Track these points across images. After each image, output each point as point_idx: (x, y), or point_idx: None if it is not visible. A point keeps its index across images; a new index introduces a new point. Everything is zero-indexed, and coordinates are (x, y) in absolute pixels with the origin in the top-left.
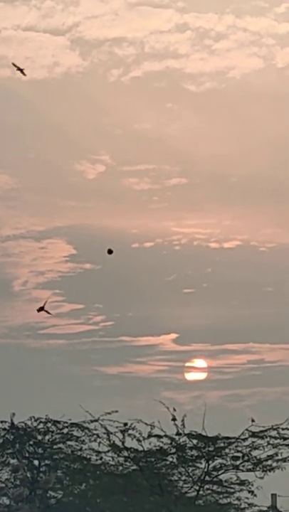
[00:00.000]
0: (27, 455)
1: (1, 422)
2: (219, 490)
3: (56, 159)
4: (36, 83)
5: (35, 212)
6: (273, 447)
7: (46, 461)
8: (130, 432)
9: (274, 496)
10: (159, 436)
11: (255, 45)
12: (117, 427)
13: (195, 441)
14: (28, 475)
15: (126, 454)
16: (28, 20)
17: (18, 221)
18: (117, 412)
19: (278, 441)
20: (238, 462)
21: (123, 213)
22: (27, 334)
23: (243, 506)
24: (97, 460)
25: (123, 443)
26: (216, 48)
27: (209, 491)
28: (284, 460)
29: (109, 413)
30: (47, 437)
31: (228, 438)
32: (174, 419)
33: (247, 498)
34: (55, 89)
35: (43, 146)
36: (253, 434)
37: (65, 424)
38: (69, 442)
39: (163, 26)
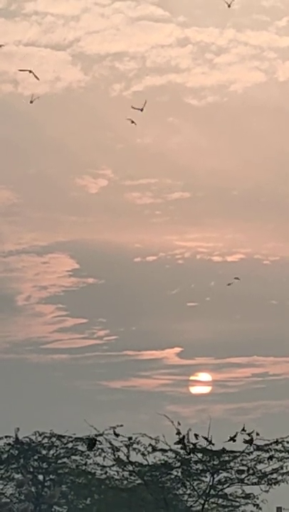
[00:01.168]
0: (32, 470)
1: (6, 437)
2: (224, 503)
3: (58, 174)
4: (38, 98)
5: (37, 228)
6: (278, 460)
7: (51, 476)
8: (135, 446)
9: (279, 509)
10: (163, 450)
11: (256, 58)
12: (121, 441)
13: (200, 455)
14: (33, 490)
15: (131, 468)
16: (29, 36)
17: (20, 236)
18: (122, 426)
19: (283, 454)
20: (243, 476)
21: (125, 227)
22: (30, 349)
23: None
24: (101, 474)
25: (128, 457)
26: (217, 61)
27: (214, 505)
28: None
29: (114, 427)
30: (51, 452)
31: (233, 452)
32: (178, 433)
33: (252, 511)
34: (57, 104)
35: (44, 161)
36: (258, 448)
37: (70, 439)
38: (74, 457)
39: (164, 41)
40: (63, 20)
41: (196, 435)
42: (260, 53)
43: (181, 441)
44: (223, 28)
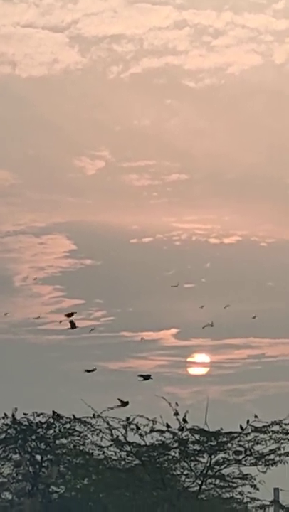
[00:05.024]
0: (29, 450)
1: (3, 417)
2: (222, 484)
3: (56, 155)
4: (36, 80)
5: (35, 209)
6: (276, 442)
7: (48, 456)
8: (132, 426)
9: (276, 490)
10: (161, 431)
11: (253, 41)
12: (119, 422)
13: (197, 436)
14: (31, 470)
15: (128, 448)
16: (27, 18)
17: (18, 217)
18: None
19: (281, 435)
20: (240, 457)
21: (123, 209)
22: (27, 329)
23: (245, 500)
24: (99, 455)
25: (125, 437)
26: (214, 44)
27: (212, 486)
28: (286, 454)
29: (111, 408)
30: (49, 432)
31: (230, 433)
32: (176, 414)
33: (249, 492)
34: (55, 86)
35: (42, 142)
36: (256, 429)
37: (68, 420)
38: (71, 437)
39: (162, 23)
40: (61, 2)
41: (184, 420)
42: (257, 36)
43: (182, 428)
44: (220, 11)
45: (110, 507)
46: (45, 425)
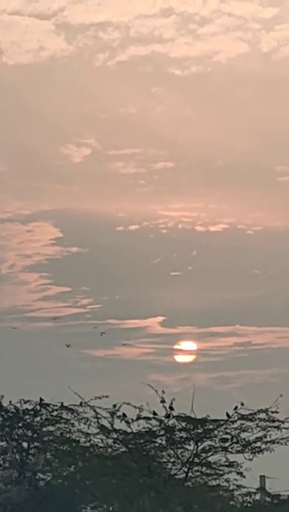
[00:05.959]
0: (16, 437)
1: None
2: (208, 472)
3: (42, 143)
4: (22, 67)
5: (21, 196)
6: (262, 429)
7: (35, 444)
8: (118, 413)
9: (263, 478)
10: (147, 419)
11: (240, 29)
12: (106, 409)
13: (184, 424)
14: (17, 457)
15: (115, 436)
16: (13, 5)
17: (4, 205)
18: (107, 397)
19: (267, 423)
20: (226, 444)
21: (109, 197)
22: (14, 317)
23: (231, 488)
24: (86, 442)
25: (112, 425)
26: (200, 32)
27: (198, 473)
28: (273, 442)
29: (99, 397)
30: (36, 419)
31: (216, 420)
32: (163, 401)
33: (236, 479)
34: (41, 74)
35: (28, 130)
36: (242, 417)
37: (55, 407)
38: (58, 425)
39: (148, 11)
40: None
41: (171, 407)
42: (244, 24)
43: (168, 416)
44: None
45: (97, 494)
46: (31, 412)
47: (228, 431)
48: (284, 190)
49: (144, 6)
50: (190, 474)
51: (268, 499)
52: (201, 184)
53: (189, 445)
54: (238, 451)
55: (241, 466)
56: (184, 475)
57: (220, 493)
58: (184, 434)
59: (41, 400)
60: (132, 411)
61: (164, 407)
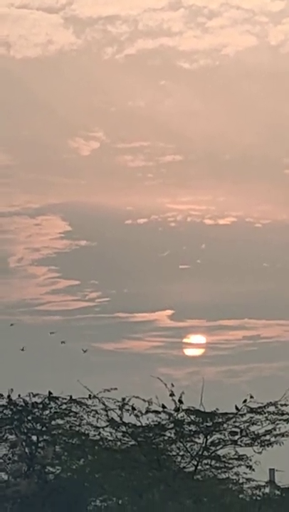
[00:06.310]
0: (25, 431)
1: None
2: (217, 465)
3: (50, 136)
4: (30, 61)
5: (29, 190)
6: (271, 422)
7: (44, 437)
8: (127, 406)
9: (272, 471)
10: (157, 412)
11: (248, 22)
12: (115, 402)
13: (193, 417)
14: (26, 450)
15: (124, 429)
16: None
17: (12, 198)
18: (116, 389)
19: (276, 416)
20: (236, 437)
21: (118, 190)
22: (23, 311)
23: (241, 481)
24: (95, 435)
25: (121, 418)
26: (209, 25)
27: (207, 466)
28: (282, 435)
29: (108, 390)
30: (45, 413)
31: (226, 414)
32: (172, 395)
33: (245, 473)
34: (49, 67)
35: (37, 123)
36: (252, 410)
37: (64, 400)
38: (67, 418)
39: (156, 4)
40: None
41: (180, 401)
42: (252, 17)
43: (177, 409)
44: None
45: (106, 487)
46: (41, 406)
47: (237, 424)
48: None
49: None
50: (199, 467)
51: (277, 492)
52: (209, 177)
53: (198, 438)
54: (247, 445)
55: (250, 460)
56: (194, 468)
57: (229, 487)
58: (193, 428)
59: (50, 393)
60: (141, 404)
61: (173, 400)
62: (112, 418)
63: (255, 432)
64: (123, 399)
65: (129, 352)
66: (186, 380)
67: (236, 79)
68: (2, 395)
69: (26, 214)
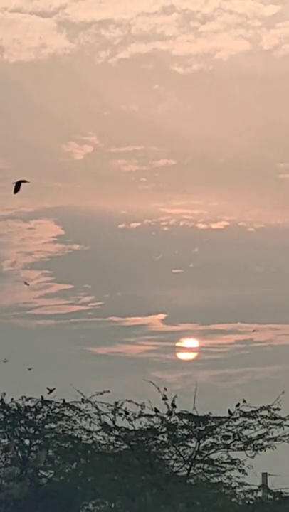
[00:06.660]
0: (18, 435)
1: None
2: (210, 469)
3: (44, 140)
4: (23, 65)
5: (23, 193)
6: (264, 426)
7: (37, 441)
8: (120, 410)
9: (265, 475)
10: (149, 416)
11: (241, 27)
12: (107, 406)
13: (186, 421)
14: (19, 454)
15: (117, 433)
16: (15, 3)
17: (5, 202)
18: (108, 392)
19: (269, 420)
20: (228, 441)
21: (111, 194)
22: (15, 314)
23: (233, 485)
24: (88, 439)
25: (114, 422)
26: (202, 30)
27: (200, 470)
28: (275, 439)
29: (100, 393)
30: (38, 417)
31: (219, 418)
32: (165, 399)
33: (238, 477)
34: (43, 71)
35: (30, 127)
36: (244, 414)
37: (57, 404)
38: (60, 422)
39: (150, 8)
40: None
41: (173, 404)
42: (245, 21)
43: (170, 413)
44: None
45: (99, 491)
46: (33, 410)
47: (230, 428)
48: (285, 187)
49: (146, 3)
50: (192, 471)
51: (269, 496)
52: (202, 181)
53: (191, 442)
54: (240, 449)
55: (243, 464)
56: (186, 472)
57: (222, 491)
58: (185, 432)
59: (42, 397)
60: (134, 408)
61: (166, 404)
62: (104, 422)
63: (248, 436)
64: (116, 403)
65: (122, 356)
66: (179, 383)
67: (230, 83)
68: None
69: (19, 218)
